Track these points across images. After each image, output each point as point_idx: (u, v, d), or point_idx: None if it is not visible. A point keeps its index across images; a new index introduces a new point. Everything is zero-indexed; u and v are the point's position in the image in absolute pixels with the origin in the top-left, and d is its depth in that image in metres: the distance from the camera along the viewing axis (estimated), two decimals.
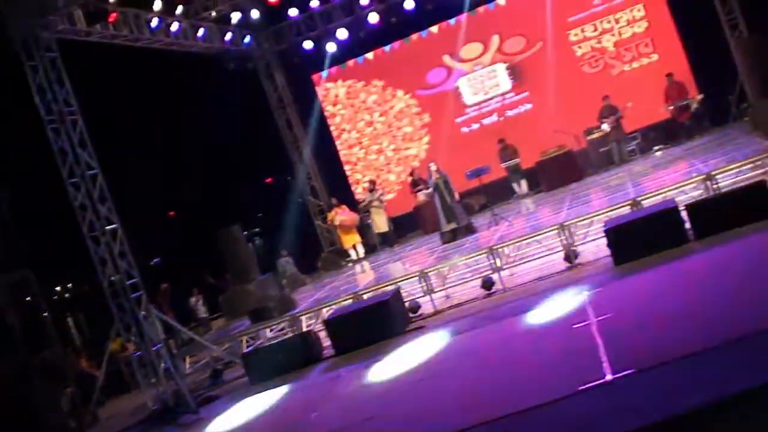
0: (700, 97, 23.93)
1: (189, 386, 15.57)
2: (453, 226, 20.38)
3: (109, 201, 15.96)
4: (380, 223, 24.26)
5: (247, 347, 17.30)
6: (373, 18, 25.36)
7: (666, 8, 25.27)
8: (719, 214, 13.73)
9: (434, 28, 27.23)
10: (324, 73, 27.74)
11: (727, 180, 15.43)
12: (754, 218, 13.27)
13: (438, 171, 20.87)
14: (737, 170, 15.63)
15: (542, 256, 16.07)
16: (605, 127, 23.69)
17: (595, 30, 25.92)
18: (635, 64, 25.74)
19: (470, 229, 20.37)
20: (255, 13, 23.62)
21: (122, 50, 20.60)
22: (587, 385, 8.87)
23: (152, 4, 20.15)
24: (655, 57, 25.55)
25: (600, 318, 11.13)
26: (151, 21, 20.50)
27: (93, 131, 16.25)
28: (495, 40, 26.82)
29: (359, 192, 27.30)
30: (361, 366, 13.65)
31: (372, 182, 24.91)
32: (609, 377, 8.93)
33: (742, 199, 13.84)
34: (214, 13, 23.13)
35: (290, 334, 16.91)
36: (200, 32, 22.71)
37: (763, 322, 8.71)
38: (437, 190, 20.66)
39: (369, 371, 13.24)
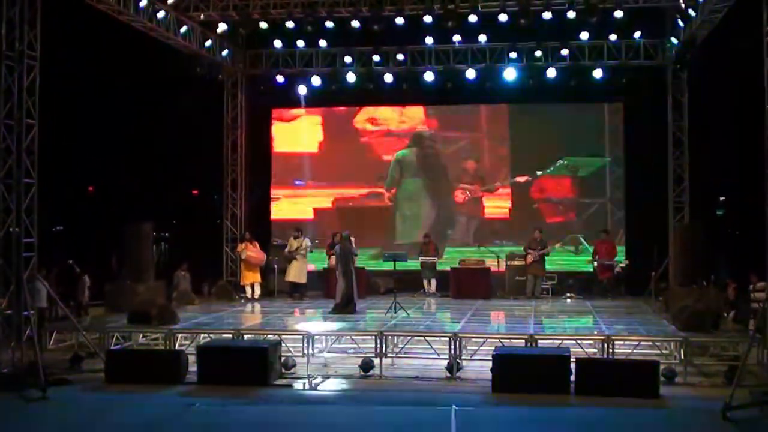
0: (626, 262, 24.35)
1: (46, 362, 15.18)
2: (340, 301, 20.32)
3: (35, 155, 15.73)
4: (298, 272, 24.00)
5: (116, 345, 16.96)
6: (351, 77, 25.58)
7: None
8: (606, 378, 13.95)
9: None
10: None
11: (624, 349, 15.64)
12: (638, 393, 13.56)
13: (344, 239, 20.90)
14: (636, 343, 15.88)
15: (427, 358, 16.08)
16: (529, 258, 23.96)
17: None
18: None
19: (347, 310, 20.21)
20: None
21: (101, 17, 20.35)
22: None
23: None
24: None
25: None
26: (141, 0, 20.41)
27: (43, 84, 16.03)
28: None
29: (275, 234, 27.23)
30: (218, 402, 13.53)
31: (299, 230, 24.63)
32: None
33: (633, 372, 14.11)
34: (203, 16, 23.12)
35: (161, 347, 16.68)
36: (183, 29, 22.62)
37: None
38: (338, 260, 20.65)
39: (225, 410, 13.14)
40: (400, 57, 25.24)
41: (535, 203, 26.89)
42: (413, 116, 27.77)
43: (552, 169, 26.55)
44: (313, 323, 18.98)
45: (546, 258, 24.09)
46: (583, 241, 26.00)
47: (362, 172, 27.82)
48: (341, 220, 27.07)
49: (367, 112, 27.92)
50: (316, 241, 25.66)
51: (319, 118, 28.17)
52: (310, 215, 27.79)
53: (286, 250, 24.04)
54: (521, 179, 26.79)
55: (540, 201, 26.84)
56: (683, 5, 21.08)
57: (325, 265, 24.89)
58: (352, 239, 20.91)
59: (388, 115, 27.90)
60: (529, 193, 26.86)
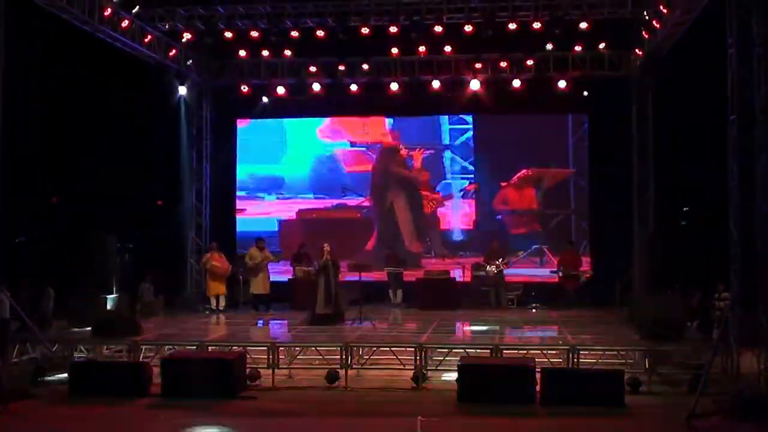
0: (590, 272, 24.45)
1: (8, 375, 15.03)
2: (327, 311, 20.19)
3: None
4: (264, 283, 23.81)
5: (79, 357, 16.81)
6: (316, 86, 25.51)
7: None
8: (571, 387, 14.01)
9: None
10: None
11: (589, 359, 15.68)
12: (603, 402, 13.62)
13: (330, 253, 20.70)
14: (602, 352, 15.92)
15: (393, 368, 16.04)
16: (491, 269, 23.97)
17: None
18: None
19: (341, 319, 20.15)
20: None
21: (64, 26, 20.14)
22: None
23: None
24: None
25: None
26: (105, 9, 20.25)
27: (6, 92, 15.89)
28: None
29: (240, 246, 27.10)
30: (185, 414, 13.49)
31: (261, 240, 24.47)
32: None
33: (597, 381, 14.19)
34: (167, 26, 23.00)
35: (126, 359, 16.55)
36: (147, 38, 22.49)
37: None
38: (324, 272, 20.52)
39: (187, 422, 13.09)
40: (365, 67, 25.19)
41: (498, 214, 26.96)
42: (375, 127, 27.77)
43: (516, 180, 26.63)
44: (278, 334, 18.94)
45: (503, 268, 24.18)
46: (547, 252, 26.08)
47: (326, 183, 27.81)
48: (306, 231, 27.03)
49: (330, 122, 27.91)
50: (281, 252, 25.51)
51: (284, 128, 28.12)
52: (275, 227, 27.68)
53: (249, 260, 23.76)
54: (485, 190, 26.84)
55: (504, 212, 26.90)
56: (648, 17, 21.24)
57: (291, 276, 24.78)
58: (324, 250, 20.78)
59: (351, 127, 27.91)
60: (492, 204, 26.93)
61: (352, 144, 27.89)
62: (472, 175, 27.11)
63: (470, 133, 27.28)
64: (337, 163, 27.85)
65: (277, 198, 27.97)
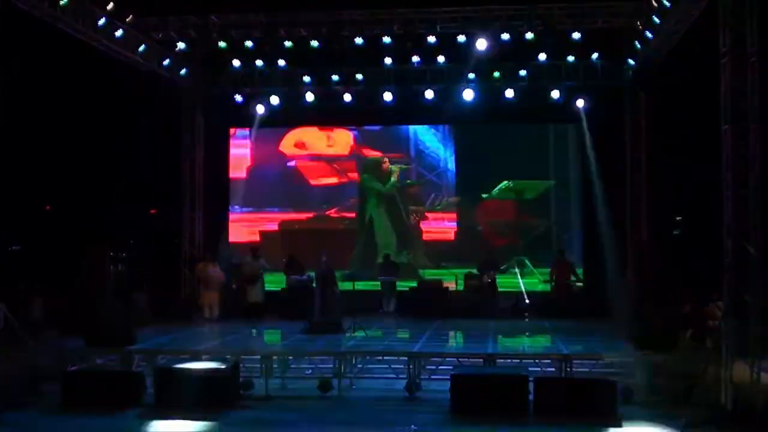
0: (583, 282, 24.45)
1: (1, 385, 14.99)
2: (324, 320, 20.15)
3: None
4: (257, 293, 23.62)
5: (72, 366, 16.77)
6: (309, 96, 25.48)
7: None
8: (564, 397, 14.01)
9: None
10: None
11: (582, 368, 15.68)
12: (596, 412, 13.62)
13: (326, 263, 20.68)
14: (594, 362, 15.92)
15: (386, 377, 16.06)
16: (484, 278, 23.93)
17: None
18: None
19: (339, 329, 20.10)
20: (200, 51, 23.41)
21: (58, 34, 20.12)
22: None
23: (107, 3, 20.13)
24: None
25: None
26: (99, 18, 20.24)
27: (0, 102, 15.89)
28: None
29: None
30: (178, 423, 13.48)
31: (256, 248, 24.41)
32: None
33: (591, 391, 14.16)
34: (161, 35, 23.03)
35: (119, 368, 16.52)
36: (141, 47, 22.48)
37: None
38: (320, 281, 20.50)
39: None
40: (359, 77, 25.16)
41: (480, 226, 26.94)
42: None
43: (497, 191, 26.61)
44: (271, 343, 18.91)
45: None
46: (528, 263, 26.02)
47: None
48: (289, 243, 27.05)
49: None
50: (284, 260, 25.47)
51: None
52: (257, 238, 27.61)
53: (244, 270, 23.69)
54: (467, 202, 26.85)
55: (485, 223, 26.89)
56: (641, 27, 21.29)
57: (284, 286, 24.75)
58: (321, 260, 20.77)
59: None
60: (474, 215, 26.92)
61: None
62: (450, 187, 27.06)
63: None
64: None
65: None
